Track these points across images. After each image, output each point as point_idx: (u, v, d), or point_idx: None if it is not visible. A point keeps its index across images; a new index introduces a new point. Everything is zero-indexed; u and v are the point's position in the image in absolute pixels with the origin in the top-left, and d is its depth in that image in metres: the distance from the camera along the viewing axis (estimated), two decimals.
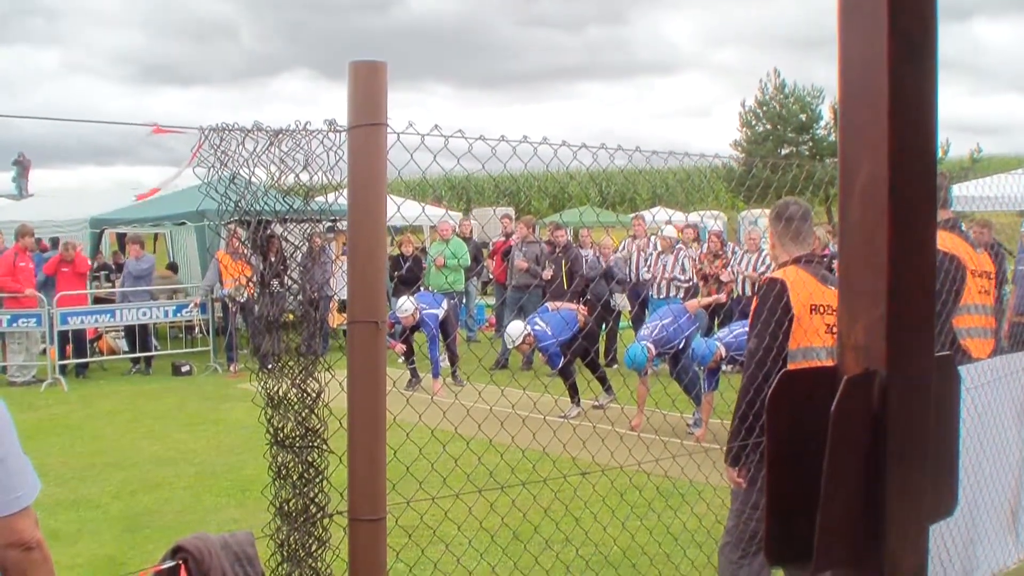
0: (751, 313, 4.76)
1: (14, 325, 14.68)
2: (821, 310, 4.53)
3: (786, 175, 5.07)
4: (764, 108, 43.77)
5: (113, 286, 18.24)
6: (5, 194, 34.41)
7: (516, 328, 11.46)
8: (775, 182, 5.09)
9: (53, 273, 15.27)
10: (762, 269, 13.85)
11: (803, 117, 43.07)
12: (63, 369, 14.69)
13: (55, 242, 17.28)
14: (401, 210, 3.72)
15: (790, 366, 4.43)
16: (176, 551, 3.07)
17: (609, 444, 6.03)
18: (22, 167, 37.19)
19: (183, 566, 3.01)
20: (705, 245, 16.16)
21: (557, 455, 8.03)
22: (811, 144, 42.81)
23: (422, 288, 15.63)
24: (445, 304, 13.68)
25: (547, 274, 15.16)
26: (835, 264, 4.90)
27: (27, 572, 2.50)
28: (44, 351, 14.97)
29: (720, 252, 15.60)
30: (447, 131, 3.22)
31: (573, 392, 11.45)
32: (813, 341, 4.50)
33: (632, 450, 5.41)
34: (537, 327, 11.41)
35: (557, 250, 15.44)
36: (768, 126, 43.70)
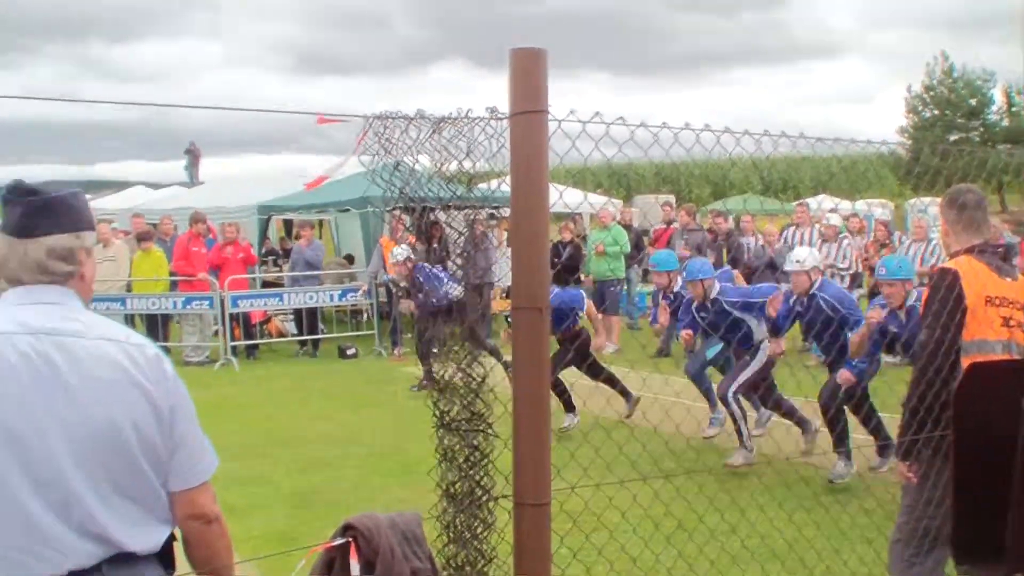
0: (923, 304, 4.60)
1: (188, 307, 15.34)
2: (996, 302, 4.34)
3: (956, 162, 4.88)
4: (931, 93, 42.20)
5: (280, 270, 18.81)
6: (178, 182, 35.81)
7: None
8: (944, 170, 4.91)
9: (220, 262, 15.78)
10: (931, 260, 13.40)
11: (973, 102, 41.35)
12: (234, 350, 15.28)
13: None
14: (563, 197, 3.71)
15: (963, 360, 4.25)
16: (346, 529, 3.14)
17: (775, 435, 5.95)
18: (193, 156, 38.39)
19: (353, 543, 3.08)
20: (871, 234, 15.71)
21: (723, 444, 7.95)
22: (982, 130, 41.11)
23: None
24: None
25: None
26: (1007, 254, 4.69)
27: (207, 543, 2.60)
28: (216, 332, 15.56)
29: (887, 241, 15.15)
30: (607, 118, 3.20)
31: None
32: (987, 334, 4.31)
33: (799, 442, 5.29)
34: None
35: (719, 237, 15.23)
36: (936, 112, 42.11)
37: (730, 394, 8.00)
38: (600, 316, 10.76)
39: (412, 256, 12.42)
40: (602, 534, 4.55)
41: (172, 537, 2.56)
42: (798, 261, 8.14)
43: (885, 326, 7.39)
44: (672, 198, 24.47)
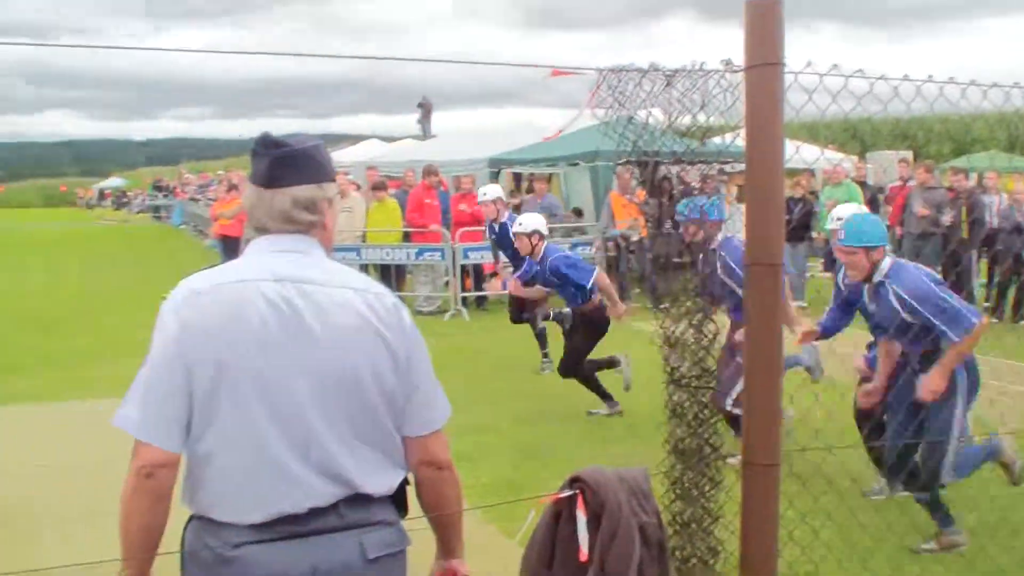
0: None
1: (421, 258, 15.78)
2: None
3: None
4: None
5: None
6: (410, 135, 36.65)
7: None
8: None
9: (457, 217, 16.09)
10: None
11: None
12: (464, 301, 15.62)
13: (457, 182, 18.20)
14: (800, 152, 3.60)
15: None
16: (573, 481, 3.18)
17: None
18: (425, 109, 38.97)
19: (580, 496, 3.12)
20: None
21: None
22: None
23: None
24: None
25: (947, 219, 14.24)
26: None
27: (438, 489, 2.67)
28: (447, 283, 15.96)
29: None
30: (842, 71, 3.08)
31: None
32: None
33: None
34: None
35: (960, 196, 14.47)
36: None
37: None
38: (610, 284, 9.60)
39: (502, 196, 12.17)
40: (831, 498, 4.44)
41: (406, 481, 2.64)
42: (838, 219, 6.26)
43: (855, 297, 5.69)
44: (909, 154, 23.38)
